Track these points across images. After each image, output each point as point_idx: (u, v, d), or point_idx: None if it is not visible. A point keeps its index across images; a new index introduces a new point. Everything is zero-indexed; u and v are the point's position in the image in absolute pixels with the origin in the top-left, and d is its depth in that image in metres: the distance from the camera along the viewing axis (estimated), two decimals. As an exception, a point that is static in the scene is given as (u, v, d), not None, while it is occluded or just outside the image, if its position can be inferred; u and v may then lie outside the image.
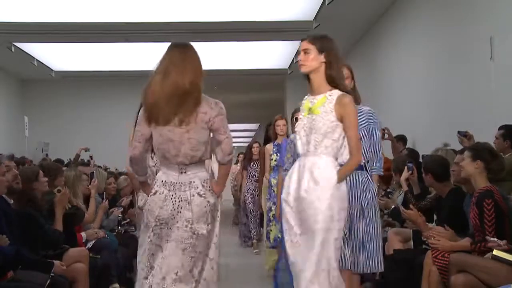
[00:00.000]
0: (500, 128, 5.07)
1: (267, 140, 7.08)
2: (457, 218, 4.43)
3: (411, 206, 4.77)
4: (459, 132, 5.63)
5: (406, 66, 8.82)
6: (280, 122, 6.50)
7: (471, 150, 4.17)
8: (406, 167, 5.28)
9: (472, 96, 6.49)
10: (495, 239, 3.61)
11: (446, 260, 3.98)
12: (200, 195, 3.40)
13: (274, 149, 6.47)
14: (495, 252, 3.54)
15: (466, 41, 6.67)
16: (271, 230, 6.22)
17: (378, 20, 10.07)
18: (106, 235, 5.61)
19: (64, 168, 5.83)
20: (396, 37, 9.30)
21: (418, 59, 8.24)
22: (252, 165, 9.46)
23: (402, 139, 8.06)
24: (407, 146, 7.96)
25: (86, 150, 9.67)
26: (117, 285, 5.19)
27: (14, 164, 4.62)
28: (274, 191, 6.05)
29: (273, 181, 6.17)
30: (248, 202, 9.57)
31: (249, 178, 9.54)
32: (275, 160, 6.35)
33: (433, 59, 7.72)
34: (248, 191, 9.53)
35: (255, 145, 9.53)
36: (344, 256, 3.70)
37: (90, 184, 5.80)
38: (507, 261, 3.51)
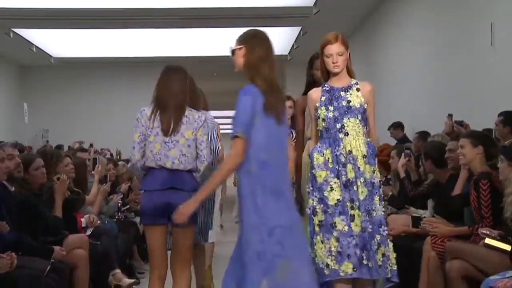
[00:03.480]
0: (499, 115, 5.06)
1: (309, 87, 4.17)
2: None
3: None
4: (455, 122, 5.65)
5: (406, 52, 8.79)
6: (334, 49, 3.60)
7: (469, 137, 4.19)
8: (403, 154, 5.29)
9: (472, 82, 6.48)
10: (487, 232, 3.66)
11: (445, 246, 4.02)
12: None
13: (324, 98, 3.65)
14: (487, 240, 3.62)
15: (466, 27, 6.65)
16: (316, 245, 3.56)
17: (378, 6, 10.02)
18: (106, 222, 5.65)
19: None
20: (396, 23, 9.27)
21: (418, 45, 8.21)
22: None
23: (399, 126, 8.09)
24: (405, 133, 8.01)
25: (81, 143, 9.70)
26: (118, 270, 5.21)
27: (17, 153, 4.58)
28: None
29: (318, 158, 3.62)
30: None
31: None
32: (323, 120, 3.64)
33: (433, 45, 7.70)
34: None
35: (287, 103, 5.84)
36: None
37: (93, 170, 5.83)
38: (499, 249, 3.58)
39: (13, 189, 4.31)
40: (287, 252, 3.05)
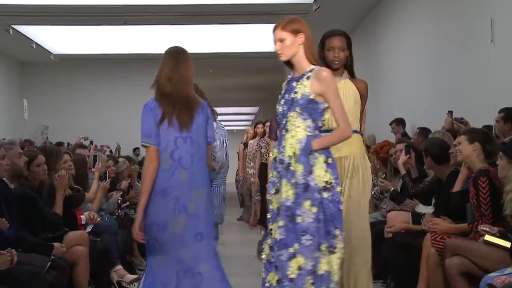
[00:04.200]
0: (500, 111, 5.05)
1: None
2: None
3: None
4: (455, 119, 5.64)
5: (407, 48, 8.79)
6: (274, 36, 3.32)
7: (466, 133, 4.22)
8: (403, 151, 5.28)
9: (472, 79, 6.47)
10: (487, 228, 3.67)
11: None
12: None
13: (283, 91, 3.42)
14: (486, 237, 3.62)
15: (466, 23, 6.64)
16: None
17: (378, 3, 10.01)
18: (106, 219, 5.65)
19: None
20: (396, 19, 9.26)
21: (419, 41, 8.21)
22: None
23: (401, 122, 8.08)
24: (405, 130, 8.00)
25: (85, 139, 9.70)
26: (120, 266, 5.22)
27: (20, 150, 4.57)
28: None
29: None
30: None
31: None
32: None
33: (433, 42, 7.69)
34: None
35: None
36: None
37: (93, 167, 5.83)
38: (498, 246, 3.58)
39: (12, 186, 4.31)
40: (162, 247, 3.41)
